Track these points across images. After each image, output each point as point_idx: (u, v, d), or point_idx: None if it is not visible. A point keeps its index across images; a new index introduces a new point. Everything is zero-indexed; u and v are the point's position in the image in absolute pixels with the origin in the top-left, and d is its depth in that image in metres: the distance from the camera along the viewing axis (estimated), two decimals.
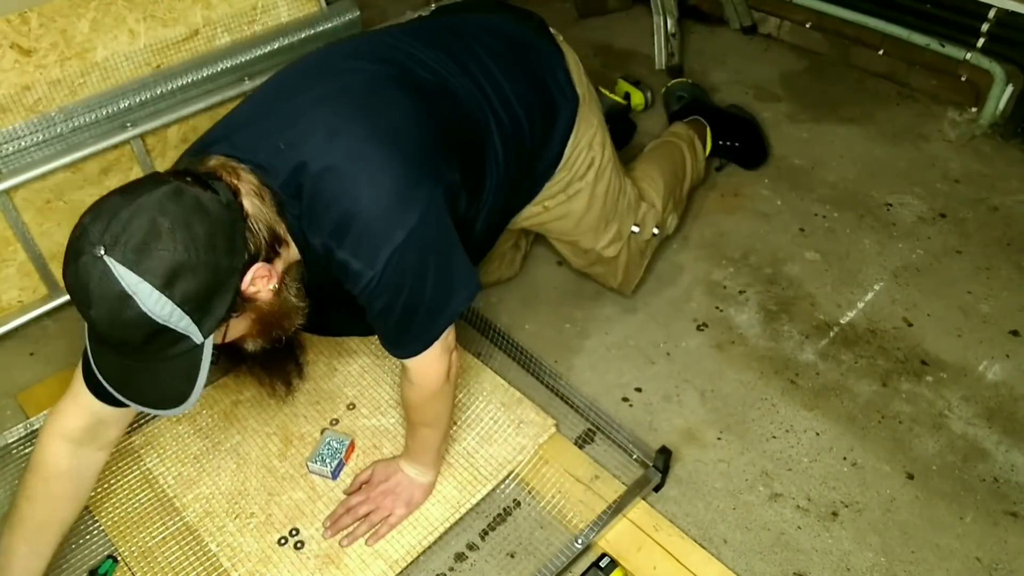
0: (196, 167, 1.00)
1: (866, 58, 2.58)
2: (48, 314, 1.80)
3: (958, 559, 1.34)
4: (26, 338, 1.76)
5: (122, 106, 1.73)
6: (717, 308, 1.80)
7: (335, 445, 1.43)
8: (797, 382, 1.63)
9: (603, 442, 1.51)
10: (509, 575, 1.32)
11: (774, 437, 1.53)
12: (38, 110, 1.62)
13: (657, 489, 1.43)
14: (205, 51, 1.83)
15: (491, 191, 1.30)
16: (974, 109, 2.38)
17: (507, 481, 1.44)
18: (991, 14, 2.25)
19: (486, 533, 1.38)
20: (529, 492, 1.43)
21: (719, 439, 1.53)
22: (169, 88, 1.79)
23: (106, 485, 1.42)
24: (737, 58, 2.64)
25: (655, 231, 1.72)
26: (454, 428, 1.48)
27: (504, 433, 1.48)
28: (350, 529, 1.33)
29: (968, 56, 2.31)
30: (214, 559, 1.31)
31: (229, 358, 1.20)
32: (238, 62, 1.88)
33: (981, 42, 2.31)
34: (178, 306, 0.89)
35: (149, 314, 0.87)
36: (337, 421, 1.51)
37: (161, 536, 1.34)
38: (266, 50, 1.91)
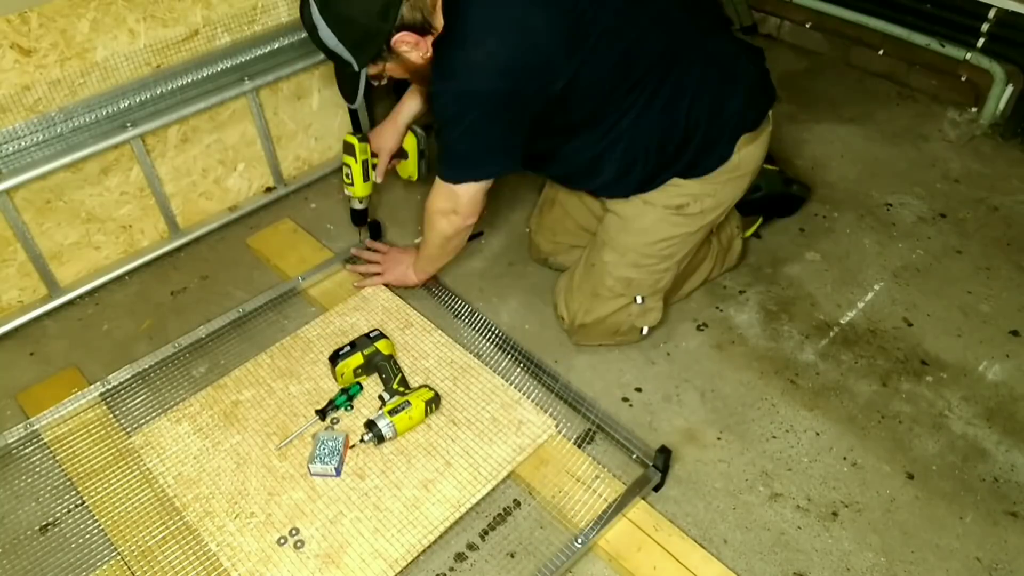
0: None
1: (866, 58, 2.58)
2: (48, 314, 1.80)
3: (958, 559, 1.34)
4: (26, 338, 1.76)
5: (122, 106, 1.73)
6: (717, 308, 1.80)
7: (331, 444, 1.43)
8: (797, 382, 1.63)
9: (603, 442, 1.51)
10: (509, 575, 1.32)
11: (774, 437, 1.53)
12: (38, 110, 1.63)
13: (657, 489, 1.43)
14: (205, 51, 1.83)
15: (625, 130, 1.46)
16: (974, 109, 2.38)
17: (507, 481, 1.44)
18: (991, 14, 2.26)
19: (486, 533, 1.38)
20: (529, 492, 1.43)
21: (719, 439, 1.53)
22: (169, 88, 1.79)
23: (106, 485, 1.42)
24: None
25: (644, 330, 1.66)
26: (454, 428, 1.48)
27: (504, 433, 1.48)
28: (362, 269, 1.82)
29: (968, 56, 2.31)
30: (214, 559, 1.31)
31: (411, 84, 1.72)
32: (238, 62, 1.88)
33: (981, 42, 2.31)
34: (340, 42, 1.32)
35: (325, 41, 1.33)
36: (338, 420, 1.51)
37: (161, 536, 1.34)
38: (266, 50, 1.91)
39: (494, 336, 1.69)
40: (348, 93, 1.44)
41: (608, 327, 1.65)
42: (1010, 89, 2.27)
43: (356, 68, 1.37)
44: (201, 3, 1.77)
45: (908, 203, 2.07)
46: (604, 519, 1.33)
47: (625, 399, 1.61)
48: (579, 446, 1.49)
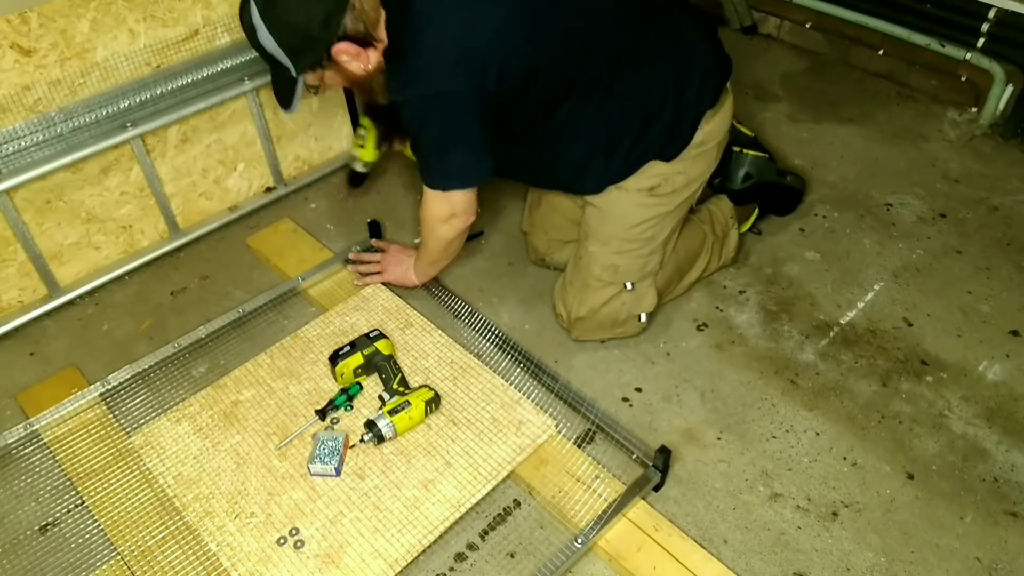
0: None
1: (866, 58, 2.58)
2: (48, 314, 1.80)
3: (958, 559, 1.34)
4: (26, 338, 1.76)
5: (122, 106, 1.73)
6: (717, 308, 1.80)
7: (331, 444, 1.43)
8: (797, 382, 1.63)
9: (603, 442, 1.51)
10: (509, 575, 1.32)
11: (774, 437, 1.53)
12: (38, 110, 1.63)
13: (657, 489, 1.43)
14: (205, 51, 1.83)
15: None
16: (974, 109, 2.38)
17: (507, 481, 1.44)
18: (991, 14, 2.26)
19: (486, 533, 1.38)
20: (529, 492, 1.43)
21: (719, 439, 1.53)
22: (169, 88, 1.79)
23: (106, 485, 1.42)
24: (737, 58, 2.59)
25: (642, 317, 1.67)
26: (454, 428, 1.48)
27: (504, 433, 1.48)
28: (363, 269, 1.81)
29: (968, 56, 2.31)
30: (214, 559, 1.31)
31: (369, 112, 1.85)
32: (238, 62, 1.88)
33: (981, 42, 2.31)
34: (279, 46, 1.31)
35: (263, 44, 1.32)
36: (338, 420, 1.51)
37: (161, 536, 1.34)
38: None
39: (494, 336, 1.69)
40: (284, 99, 1.43)
41: (604, 318, 1.65)
42: (1010, 89, 2.27)
43: (294, 74, 1.37)
44: (201, 3, 1.77)
45: (908, 203, 2.07)
46: (604, 519, 1.33)
47: (625, 399, 1.61)
48: (579, 446, 1.49)
